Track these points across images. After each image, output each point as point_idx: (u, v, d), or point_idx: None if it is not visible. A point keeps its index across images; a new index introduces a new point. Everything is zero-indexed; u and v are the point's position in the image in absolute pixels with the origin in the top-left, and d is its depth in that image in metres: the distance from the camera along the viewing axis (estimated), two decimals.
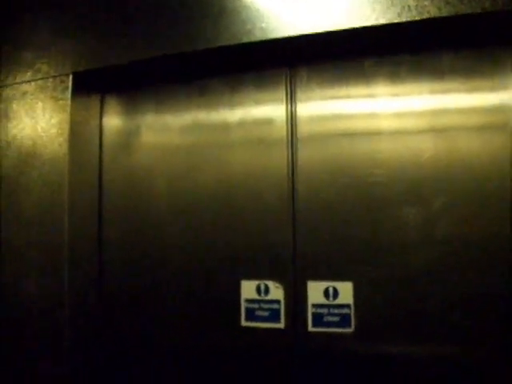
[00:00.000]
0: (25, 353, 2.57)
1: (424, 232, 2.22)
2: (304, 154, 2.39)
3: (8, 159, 2.66)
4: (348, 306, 2.28)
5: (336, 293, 2.29)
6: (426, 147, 2.25)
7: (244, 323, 2.42)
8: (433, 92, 2.28)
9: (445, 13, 2.06)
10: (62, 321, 2.51)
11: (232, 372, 2.44)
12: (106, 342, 2.67)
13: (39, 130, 2.62)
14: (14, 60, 2.71)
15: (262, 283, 2.39)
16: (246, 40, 2.31)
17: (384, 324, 2.25)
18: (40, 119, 2.62)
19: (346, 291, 2.28)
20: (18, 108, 2.68)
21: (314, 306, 2.32)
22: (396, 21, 2.12)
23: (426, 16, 2.08)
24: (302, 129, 2.41)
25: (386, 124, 2.32)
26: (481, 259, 2.15)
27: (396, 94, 2.32)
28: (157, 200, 2.62)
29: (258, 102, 2.49)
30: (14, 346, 2.60)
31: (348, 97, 2.38)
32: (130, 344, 2.63)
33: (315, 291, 2.31)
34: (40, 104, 2.63)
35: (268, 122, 2.46)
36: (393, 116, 2.32)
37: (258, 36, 2.29)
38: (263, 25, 2.28)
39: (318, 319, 2.31)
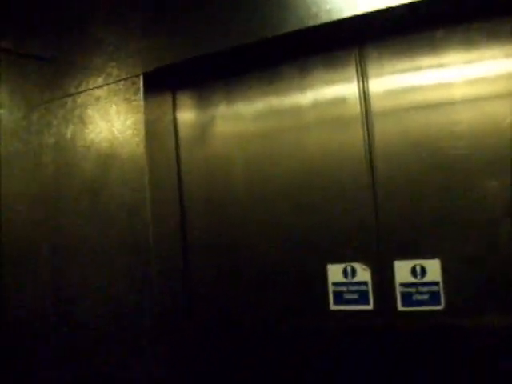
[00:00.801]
0: (107, 355, 2.65)
1: (508, 203, 2.16)
2: (380, 131, 2.36)
3: (88, 163, 2.73)
4: (436, 283, 2.24)
5: (423, 271, 2.25)
6: (505, 113, 2.18)
7: (333, 307, 2.41)
8: (508, 56, 2.20)
9: None
10: (145, 320, 2.57)
11: (323, 356, 2.43)
12: (191, 331, 2.71)
13: (115, 132, 2.68)
14: (85, 66, 2.78)
15: (349, 266, 2.38)
16: (312, 23, 2.30)
17: (474, 299, 2.20)
18: (115, 122, 2.68)
19: (433, 268, 2.24)
20: (92, 113, 2.75)
21: (402, 285, 2.29)
22: None
23: None
24: (376, 105, 2.38)
25: (461, 92, 2.26)
26: None
27: (469, 61, 2.26)
28: (236, 188, 2.65)
29: (329, 83, 2.48)
30: (101, 348, 2.67)
31: (420, 68, 2.34)
32: (216, 331, 2.67)
33: (402, 270, 2.28)
34: (114, 107, 2.69)
35: (341, 101, 2.45)
36: (468, 84, 2.26)
37: (324, 18, 2.27)
38: (328, 6, 2.26)
39: (407, 298, 2.28)
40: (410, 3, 2.14)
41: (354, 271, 2.37)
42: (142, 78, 2.62)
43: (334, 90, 2.46)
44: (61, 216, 2.80)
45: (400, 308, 2.29)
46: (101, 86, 2.74)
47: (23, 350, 2.84)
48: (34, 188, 2.89)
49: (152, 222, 2.57)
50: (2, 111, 2.82)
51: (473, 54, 2.26)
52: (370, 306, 2.34)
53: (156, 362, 2.55)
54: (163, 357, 2.58)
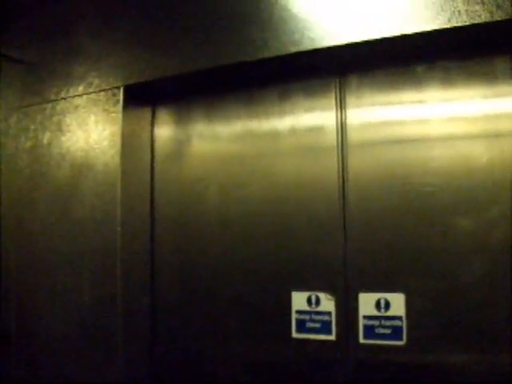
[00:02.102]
0: (76, 360, 2.61)
1: (478, 242, 2.16)
2: (355, 162, 2.36)
3: (62, 171, 2.72)
4: (400, 317, 2.23)
5: (388, 304, 2.25)
6: (481, 153, 2.19)
7: (295, 335, 2.40)
8: (486, 97, 2.22)
9: (497, 17, 2.01)
10: (114, 328, 2.54)
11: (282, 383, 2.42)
12: (157, 352, 2.69)
13: (92, 142, 2.67)
14: (66, 74, 2.77)
15: (313, 294, 2.37)
16: (294, 50, 2.30)
17: (436, 336, 2.19)
18: (92, 132, 2.67)
19: (397, 303, 2.24)
20: (70, 121, 2.74)
21: (365, 317, 2.28)
22: (446, 26, 2.07)
23: (477, 21, 2.03)
24: (353, 136, 2.38)
25: (438, 130, 2.26)
26: None
27: (448, 100, 2.27)
28: (207, 209, 2.64)
29: (307, 110, 2.48)
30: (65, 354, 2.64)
31: (399, 103, 2.35)
32: (181, 353, 2.64)
33: (367, 303, 2.28)
34: (92, 117, 2.68)
35: (318, 129, 2.45)
36: (445, 122, 2.26)
37: (307, 45, 2.28)
38: (311, 34, 2.27)
39: (370, 331, 2.27)
40: (392, 37, 2.15)
41: (318, 300, 2.36)
42: (122, 90, 2.61)
43: (312, 118, 2.46)
44: (32, 222, 2.77)
45: (362, 340, 2.28)
46: (81, 95, 2.73)
47: None
48: (8, 192, 2.86)
49: (121, 237, 2.56)
50: None
51: (452, 93, 2.27)
52: (333, 337, 2.33)
53: (128, 365, 2.54)
54: (134, 360, 2.58)
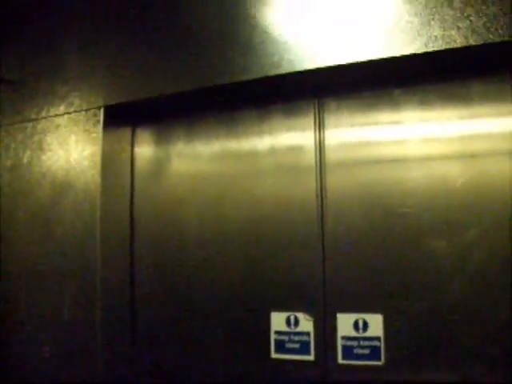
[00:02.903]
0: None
1: (455, 264, 2.18)
2: (333, 182, 2.39)
3: (42, 189, 2.72)
4: (378, 338, 2.25)
5: (366, 325, 2.26)
6: (457, 174, 2.22)
7: (274, 355, 2.40)
8: (461, 118, 2.25)
9: (472, 42, 2.04)
10: (94, 350, 2.54)
11: None
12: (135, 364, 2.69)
13: (72, 161, 2.67)
14: (48, 93, 2.78)
15: (292, 315, 2.38)
16: (273, 73, 2.33)
17: (414, 357, 2.21)
18: (73, 151, 2.68)
19: (375, 324, 2.25)
20: (51, 140, 2.74)
21: (343, 338, 2.29)
22: (423, 51, 2.10)
23: (452, 45, 2.07)
24: (331, 156, 2.41)
25: (415, 151, 2.30)
26: None
27: (425, 121, 2.31)
28: (186, 228, 2.65)
29: (287, 131, 2.52)
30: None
31: (377, 124, 2.38)
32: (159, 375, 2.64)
33: (345, 323, 2.29)
34: (73, 137, 2.69)
35: (297, 150, 2.48)
36: (422, 143, 2.30)
37: (286, 68, 2.31)
38: (291, 57, 2.30)
39: (348, 351, 2.28)
40: (370, 61, 2.18)
41: (297, 321, 2.37)
42: (103, 110, 2.63)
43: (290, 139, 2.49)
44: (12, 240, 2.76)
45: (340, 361, 2.29)
46: (62, 115, 2.74)
47: None
48: None
49: (101, 256, 2.55)
50: None
51: (428, 115, 2.30)
52: (311, 357, 2.34)
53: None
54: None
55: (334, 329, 2.31)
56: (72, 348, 2.58)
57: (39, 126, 2.79)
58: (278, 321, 2.40)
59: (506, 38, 2.01)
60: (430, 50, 2.10)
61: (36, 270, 2.70)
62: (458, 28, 2.06)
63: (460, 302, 2.16)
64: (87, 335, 2.56)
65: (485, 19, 2.02)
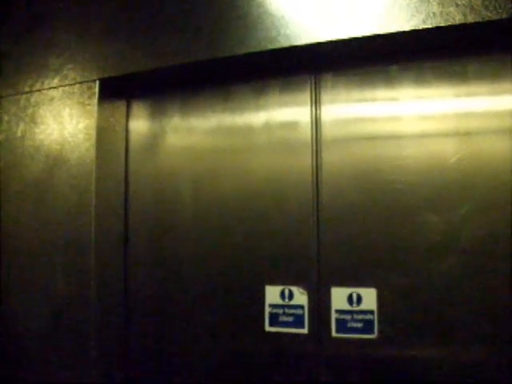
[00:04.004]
0: (48, 356, 2.62)
1: (448, 239, 2.21)
2: (328, 158, 2.40)
3: (36, 163, 2.70)
4: (371, 312, 2.28)
5: (360, 299, 2.29)
6: (451, 152, 2.24)
7: (268, 328, 2.43)
8: (457, 96, 2.27)
9: (470, 19, 2.05)
10: (86, 320, 2.55)
11: (256, 377, 2.45)
12: (130, 346, 2.70)
13: (66, 135, 2.66)
14: (42, 66, 2.75)
15: (286, 288, 2.40)
16: (270, 47, 2.32)
17: (407, 330, 2.24)
18: (67, 124, 2.66)
19: (369, 297, 2.28)
20: (45, 113, 2.72)
21: (337, 311, 2.32)
22: (421, 27, 2.11)
23: (450, 22, 2.07)
24: (327, 132, 2.42)
25: (410, 128, 2.32)
26: (505, 267, 2.14)
27: (421, 98, 2.32)
28: (181, 203, 2.65)
29: (282, 107, 2.51)
30: (38, 348, 2.65)
31: (372, 101, 2.39)
32: (153, 349, 2.66)
33: (339, 297, 2.32)
34: (67, 110, 2.67)
35: (293, 125, 2.48)
36: (418, 120, 2.31)
37: (283, 43, 2.30)
38: (288, 31, 2.29)
39: (342, 325, 2.31)
40: (367, 37, 2.18)
41: (291, 294, 2.39)
42: (97, 83, 2.61)
43: (287, 114, 2.49)
44: (4, 213, 2.76)
45: (334, 334, 2.32)
46: (56, 87, 2.72)
47: None
48: None
49: (95, 230, 2.55)
50: None
51: (424, 91, 2.31)
52: (305, 330, 2.37)
53: (102, 360, 2.56)
54: (108, 355, 2.60)
55: (328, 302, 2.34)
56: (65, 322, 2.59)
57: (33, 99, 2.77)
58: (272, 294, 2.42)
59: (505, 16, 2.02)
60: (428, 26, 2.11)
61: (29, 244, 2.70)
62: (457, 5, 2.07)
63: (453, 277, 2.19)
64: (80, 309, 2.57)
65: None
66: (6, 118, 2.82)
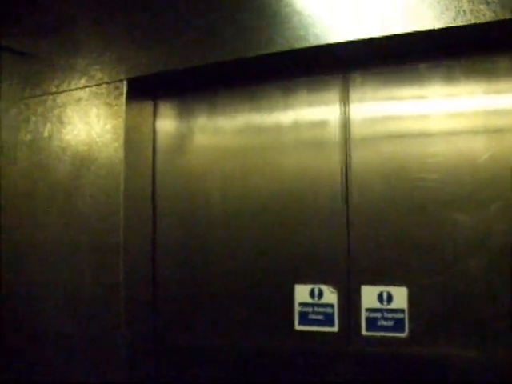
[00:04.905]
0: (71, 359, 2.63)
1: (478, 237, 2.20)
2: (357, 157, 2.40)
3: (64, 164, 2.72)
4: (402, 310, 2.27)
5: (390, 297, 2.29)
6: (481, 150, 2.23)
7: (297, 327, 2.43)
8: (487, 93, 2.26)
9: (501, 16, 2.04)
10: (114, 322, 2.57)
11: (285, 375, 2.45)
12: (158, 342, 2.71)
13: (94, 135, 2.67)
14: (68, 67, 2.77)
15: (316, 287, 2.40)
16: (298, 46, 2.32)
17: (438, 329, 2.24)
18: (94, 125, 2.68)
19: (400, 296, 2.28)
20: (72, 114, 2.74)
21: (367, 310, 2.32)
22: (451, 25, 2.10)
23: (481, 20, 2.06)
24: (356, 131, 2.42)
25: (439, 126, 2.31)
26: None
27: (450, 96, 2.31)
28: (209, 202, 2.66)
29: (311, 106, 2.52)
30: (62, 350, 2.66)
31: (401, 99, 2.39)
32: (181, 346, 2.66)
33: (369, 295, 2.32)
34: (94, 110, 2.69)
35: (321, 124, 2.48)
36: (447, 117, 2.31)
37: (311, 41, 2.30)
38: (316, 30, 2.29)
39: (372, 323, 2.31)
40: (396, 35, 2.18)
41: (321, 293, 2.39)
42: (125, 83, 2.62)
43: (315, 113, 2.50)
44: (32, 214, 2.78)
45: (364, 332, 2.32)
46: (83, 88, 2.73)
47: None
48: (6, 183, 2.86)
49: (123, 230, 2.56)
50: None
51: (453, 89, 2.31)
52: (335, 329, 2.37)
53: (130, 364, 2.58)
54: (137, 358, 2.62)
55: (359, 301, 2.34)
56: (92, 324, 2.61)
57: (59, 100, 2.79)
58: (301, 293, 2.42)
59: None
60: (458, 24, 2.10)
61: (57, 244, 2.71)
62: (487, 2, 2.05)
63: (484, 275, 2.18)
64: (108, 311, 2.58)
65: None
66: (33, 118, 2.83)
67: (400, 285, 2.28)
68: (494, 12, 2.05)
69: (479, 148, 2.24)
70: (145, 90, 2.72)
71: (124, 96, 2.62)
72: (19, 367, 2.74)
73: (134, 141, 2.68)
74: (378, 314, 2.30)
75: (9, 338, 2.78)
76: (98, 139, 2.65)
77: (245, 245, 2.55)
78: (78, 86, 2.74)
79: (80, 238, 2.65)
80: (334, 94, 2.46)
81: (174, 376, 2.67)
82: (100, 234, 2.61)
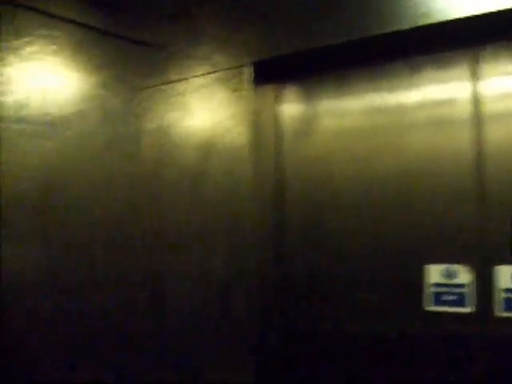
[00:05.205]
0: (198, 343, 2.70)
1: None
2: (490, 134, 2.33)
3: (189, 151, 2.78)
4: None
5: None
6: None
7: (429, 307, 2.40)
8: None
9: None
10: (246, 304, 2.62)
11: (416, 357, 2.43)
12: (281, 324, 2.74)
13: (217, 121, 2.73)
14: (190, 55, 2.83)
15: (449, 267, 2.36)
16: (421, 23, 2.29)
17: None
18: (217, 111, 2.73)
19: None
20: (195, 101, 2.80)
21: (504, 290, 2.26)
22: None
23: None
24: (487, 108, 2.35)
25: None
26: None
27: None
28: (336, 187, 2.65)
29: (439, 83, 2.46)
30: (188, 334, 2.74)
31: None
32: (308, 330, 2.69)
33: (505, 275, 2.26)
34: (217, 96, 2.74)
35: (451, 102, 2.43)
36: None
37: (438, 17, 2.26)
38: (441, 6, 2.24)
39: (508, 304, 2.25)
40: None
41: (454, 273, 2.35)
42: (248, 68, 2.66)
43: (444, 90, 2.44)
44: (160, 201, 2.86)
45: (500, 313, 2.27)
46: (204, 75, 2.78)
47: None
48: (133, 171, 2.94)
49: (251, 215, 2.62)
50: (106, 94, 2.88)
51: None
52: (468, 309, 2.32)
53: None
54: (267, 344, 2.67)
55: (493, 281, 2.28)
56: (221, 307, 2.67)
57: (182, 87, 2.85)
58: (433, 273, 2.39)
59: None
60: None
61: (183, 229, 2.78)
62: None
63: None
64: (239, 295, 2.64)
65: None
66: (157, 107, 2.91)
67: None
68: None
69: None
70: (268, 73, 2.74)
71: (248, 80, 2.66)
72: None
73: (258, 125, 2.70)
74: None
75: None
76: (221, 125, 2.70)
77: (374, 226, 2.54)
78: (200, 72, 2.80)
79: (207, 222, 2.70)
80: (463, 71, 2.40)
81: (306, 363, 2.69)
82: (228, 219, 2.65)
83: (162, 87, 2.92)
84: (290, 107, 2.79)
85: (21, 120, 2.61)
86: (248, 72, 2.65)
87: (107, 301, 2.71)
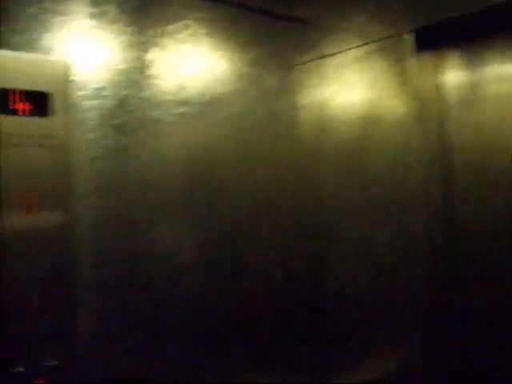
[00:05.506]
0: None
1: None
2: None
3: (347, 125, 2.73)
4: None
5: None
6: None
7: None
8: None
9: None
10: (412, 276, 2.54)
11: None
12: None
13: (376, 93, 2.64)
14: (344, 27, 2.73)
15: None
16: None
17: None
18: (375, 83, 2.64)
19: None
20: (351, 73, 2.71)
21: None
22: None
23: None
24: None
25: None
26: None
27: None
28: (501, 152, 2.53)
29: None
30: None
31: None
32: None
33: None
34: (375, 67, 2.64)
35: None
36: None
37: None
38: None
39: None
40: None
41: None
42: (409, 36, 2.56)
43: None
44: (319, 177, 2.83)
45: None
46: (360, 46, 2.70)
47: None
48: (290, 148, 2.92)
49: (418, 188, 2.53)
50: (261, 71, 2.87)
51: None
52: None
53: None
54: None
55: None
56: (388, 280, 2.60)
57: (337, 61, 2.78)
58: None
59: None
60: None
61: (346, 201, 2.74)
62: None
63: None
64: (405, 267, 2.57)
65: None
66: (312, 82, 2.87)
67: None
68: None
69: None
70: (428, 40, 2.65)
71: (409, 49, 2.56)
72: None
73: (420, 94, 2.61)
74: None
75: None
76: (382, 96, 2.62)
77: None
78: (355, 45, 2.72)
79: (370, 193, 2.65)
80: None
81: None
82: (392, 192, 2.58)
83: (317, 62, 2.85)
84: (454, 75, 2.68)
85: (181, 103, 2.66)
86: (409, 40, 2.55)
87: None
